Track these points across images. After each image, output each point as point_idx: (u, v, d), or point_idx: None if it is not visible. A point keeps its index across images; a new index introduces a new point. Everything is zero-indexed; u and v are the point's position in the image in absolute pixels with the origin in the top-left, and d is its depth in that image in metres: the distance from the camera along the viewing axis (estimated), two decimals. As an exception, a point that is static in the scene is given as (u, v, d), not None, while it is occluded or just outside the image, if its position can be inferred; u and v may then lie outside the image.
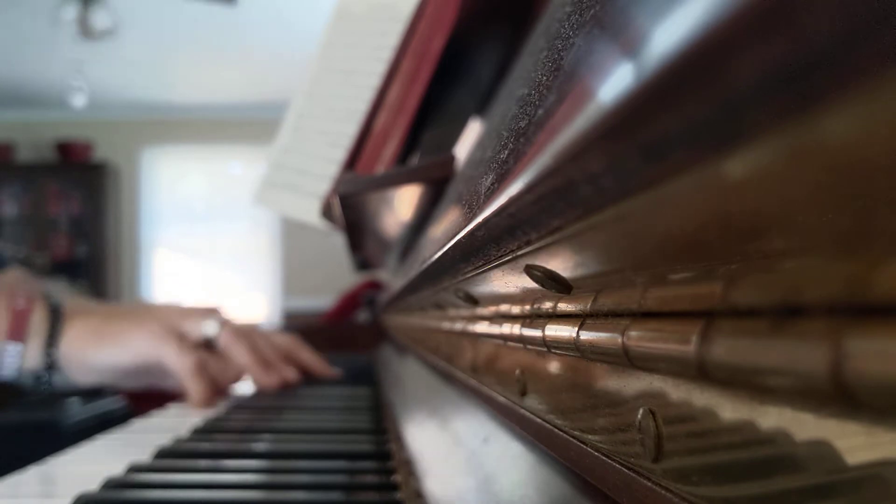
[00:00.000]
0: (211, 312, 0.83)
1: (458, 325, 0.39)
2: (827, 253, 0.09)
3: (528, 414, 0.26)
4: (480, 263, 0.25)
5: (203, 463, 0.45)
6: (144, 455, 0.46)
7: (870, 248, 0.08)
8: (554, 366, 0.23)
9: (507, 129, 0.21)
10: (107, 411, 1.36)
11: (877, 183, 0.08)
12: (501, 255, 0.22)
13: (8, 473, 0.44)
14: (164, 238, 4.67)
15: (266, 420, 0.63)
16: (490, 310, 0.31)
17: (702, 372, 0.12)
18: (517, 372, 0.27)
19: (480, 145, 0.31)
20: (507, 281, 0.24)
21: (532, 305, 0.24)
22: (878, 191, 0.08)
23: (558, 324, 0.21)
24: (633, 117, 0.10)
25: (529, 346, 0.25)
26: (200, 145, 4.65)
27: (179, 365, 0.74)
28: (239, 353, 0.80)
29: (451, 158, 0.49)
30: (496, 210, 0.18)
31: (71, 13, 2.88)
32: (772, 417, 0.11)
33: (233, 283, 4.60)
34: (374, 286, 2.03)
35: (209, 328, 0.80)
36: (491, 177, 0.21)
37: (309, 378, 0.89)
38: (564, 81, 0.15)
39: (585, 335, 0.18)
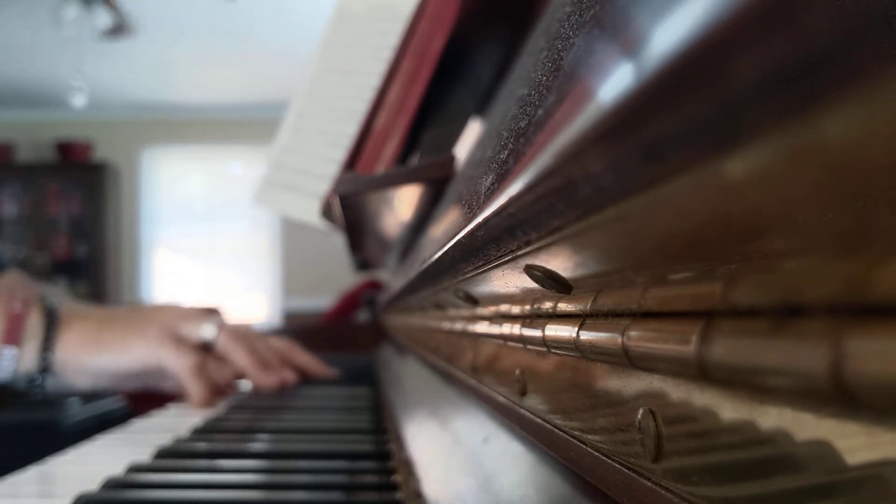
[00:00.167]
0: (209, 314, 0.83)
1: (458, 325, 0.39)
2: (827, 253, 0.09)
3: (528, 414, 0.26)
4: (480, 263, 0.25)
5: (203, 463, 0.45)
6: (144, 455, 0.46)
7: (870, 248, 0.08)
8: (554, 366, 0.23)
9: (507, 129, 0.21)
10: (107, 411, 1.36)
11: (877, 183, 0.08)
12: (501, 255, 0.22)
13: (8, 473, 0.44)
14: (164, 238, 4.67)
15: (266, 420, 0.63)
16: (490, 310, 0.31)
17: (702, 372, 0.12)
18: (517, 372, 0.27)
19: (480, 145, 0.32)
20: (507, 281, 0.24)
21: (532, 305, 0.24)
22: (878, 191, 0.08)
23: (558, 324, 0.21)
24: (632, 117, 0.10)
25: (529, 346, 0.25)
26: (200, 145, 4.65)
27: (179, 366, 0.74)
28: (237, 356, 0.80)
29: (451, 158, 0.49)
30: (496, 210, 0.18)
31: (71, 13, 2.88)
32: (772, 417, 0.11)
33: (233, 283, 4.60)
34: (374, 286, 2.03)
35: (207, 331, 0.80)
36: (491, 177, 0.21)
37: (308, 378, 0.89)
38: (564, 81, 0.15)
39: (585, 335, 0.18)
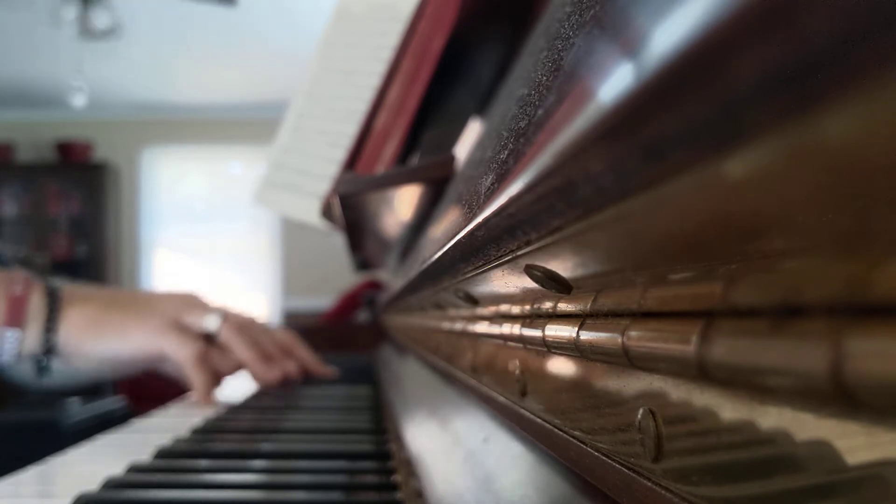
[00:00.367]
0: (212, 304, 0.83)
1: (458, 325, 0.39)
2: (827, 253, 0.09)
3: (528, 414, 0.26)
4: (480, 263, 0.25)
5: (203, 463, 0.45)
6: (144, 455, 0.46)
7: (870, 248, 0.08)
8: (554, 366, 0.23)
9: (507, 129, 0.21)
10: (107, 411, 1.36)
11: (877, 183, 0.08)
12: (501, 255, 0.22)
13: (8, 473, 0.44)
14: (164, 238, 4.67)
15: (266, 420, 0.63)
16: (490, 310, 0.31)
17: (702, 372, 0.12)
18: (517, 372, 0.27)
19: (480, 145, 0.32)
20: (507, 281, 0.24)
21: (532, 305, 0.24)
22: (878, 191, 0.08)
23: (558, 324, 0.21)
24: (632, 117, 0.10)
25: (529, 346, 0.25)
26: (200, 145, 4.65)
27: (181, 355, 0.74)
28: (239, 348, 0.80)
29: (451, 158, 0.49)
30: (496, 210, 0.18)
31: (71, 13, 2.88)
32: (772, 417, 0.11)
33: (233, 283, 4.60)
34: (374, 286, 2.03)
35: (210, 322, 0.80)
36: (491, 177, 0.21)
37: (308, 377, 0.89)
38: (564, 81, 0.15)
39: (585, 335, 0.18)
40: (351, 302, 2.29)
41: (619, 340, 0.16)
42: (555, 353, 0.22)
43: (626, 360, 0.16)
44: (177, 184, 4.68)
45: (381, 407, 0.67)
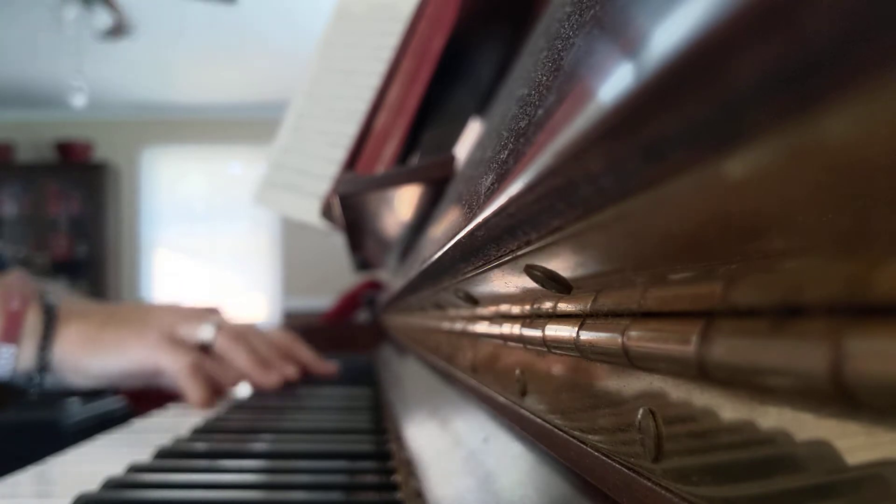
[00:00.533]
0: (208, 314, 0.82)
1: (458, 325, 0.39)
2: (827, 253, 0.09)
3: (528, 414, 0.26)
4: (480, 263, 0.25)
5: (203, 463, 0.45)
6: (144, 455, 0.46)
7: (870, 248, 0.08)
8: (554, 366, 0.23)
9: (507, 129, 0.21)
10: (107, 411, 1.36)
11: (877, 183, 0.08)
12: (501, 255, 0.22)
13: (8, 473, 0.44)
14: (164, 238, 4.67)
15: (266, 420, 0.63)
16: (490, 310, 0.31)
17: (702, 372, 0.12)
18: (517, 372, 0.27)
19: (480, 145, 0.32)
20: (507, 281, 0.24)
21: (532, 305, 0.24)
22: (878, 191, 0.08)
23: (558, 324, 0.21)
24: (632, 117, 0.10)
25: (529, 346, 0.25)
26: (200, 145, 4.65)
27: (175, 368, 0.74)
28: (236, 357, 0.80)
29: (451, 158, 0.49)
30: (496, 210, 0.18)
31: (72, 13, 2.88)
32: (772, 417, 0.11)
33: (233, 283, 4.60)
34: (374, 286, 2.03)
35: (205, 332, 0.80)
36: (491, 177, 0.21)
37: (308, 377, 0.89)
38: (564, 81, 0.15)
39: (585, 335, 0.18)
40: (351, 302, 2.29)
41: (619, 340, 0.16)
42: (555, 353, 0.22)
43: (626, 360, 0.16)
44: (177, 184, 4.68)
45: (381, 407, 0.67)
